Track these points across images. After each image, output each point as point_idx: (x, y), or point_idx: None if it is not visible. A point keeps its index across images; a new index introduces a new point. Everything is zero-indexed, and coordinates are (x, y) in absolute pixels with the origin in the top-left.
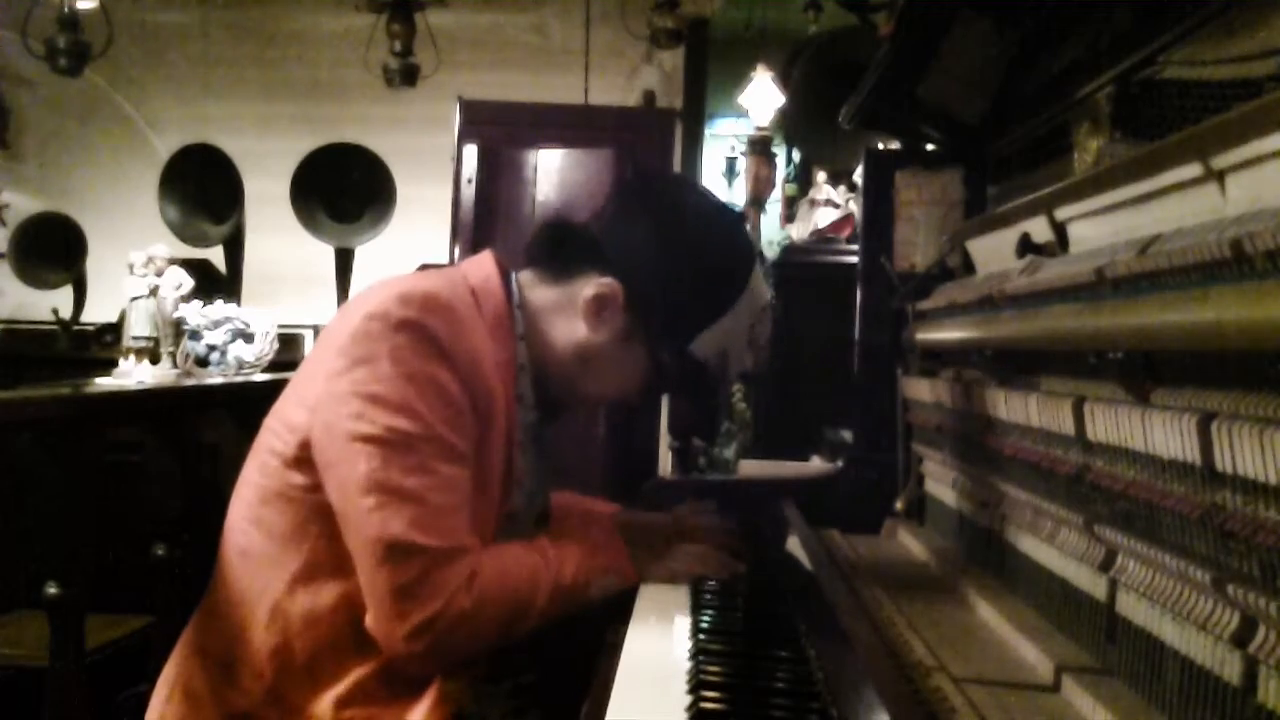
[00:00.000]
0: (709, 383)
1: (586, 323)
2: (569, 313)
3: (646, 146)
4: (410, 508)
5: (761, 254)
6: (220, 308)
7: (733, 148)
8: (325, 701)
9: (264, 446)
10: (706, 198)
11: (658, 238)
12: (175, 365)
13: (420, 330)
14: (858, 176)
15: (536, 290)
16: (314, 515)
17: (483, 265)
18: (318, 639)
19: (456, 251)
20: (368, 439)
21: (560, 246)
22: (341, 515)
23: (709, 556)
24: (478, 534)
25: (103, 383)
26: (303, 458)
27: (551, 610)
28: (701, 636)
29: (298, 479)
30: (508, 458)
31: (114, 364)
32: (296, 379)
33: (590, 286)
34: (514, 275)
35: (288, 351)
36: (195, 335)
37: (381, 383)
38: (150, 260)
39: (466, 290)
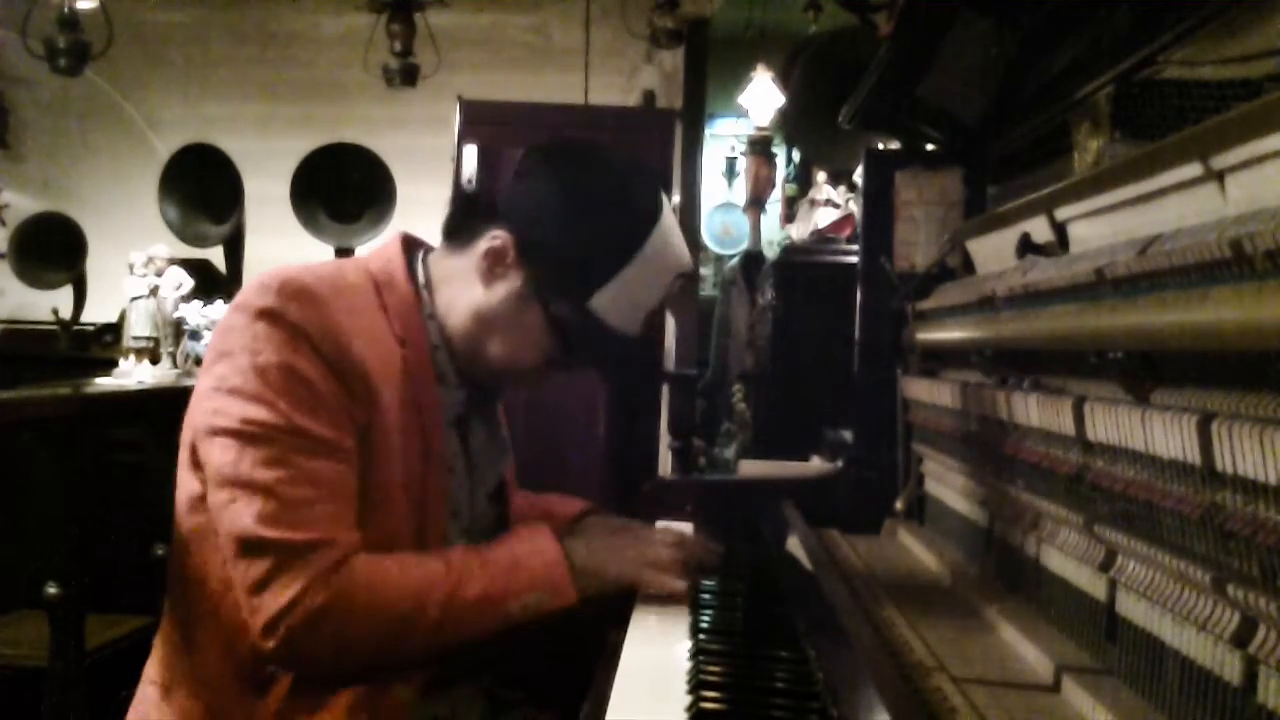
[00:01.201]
0: (621, 351)
1: (482, 281)
2: (469, 277)
3: (646, 146)
4: (260, 501)
5: (761, 254)
6: (220, 308)
7: (733, 148)
8: (264, 713)
9: (179, 459)
10: (610, 157)
11: (550, 190)
12: (175, 365)
13: (278, 318)
14: (858, 176)
15: (443, 263)
16: (214, 529)
17: (385, 250)
18: (244, 663)
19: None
20: (223, 432)
21: (464, 215)
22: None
23: (666, 559)
24: (369, 533)
25: (103, 383)
26: (196, 462)
27: (450, 625)
28: (701, 636)
29: (196, 486)
30: (425, 442)
31: (114, 364)
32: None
33: (484, 242)
34: (422, 255)
35: None
36: (195, 335)
37: (237, 375)
38: (150, 260)
39: (363, 276)
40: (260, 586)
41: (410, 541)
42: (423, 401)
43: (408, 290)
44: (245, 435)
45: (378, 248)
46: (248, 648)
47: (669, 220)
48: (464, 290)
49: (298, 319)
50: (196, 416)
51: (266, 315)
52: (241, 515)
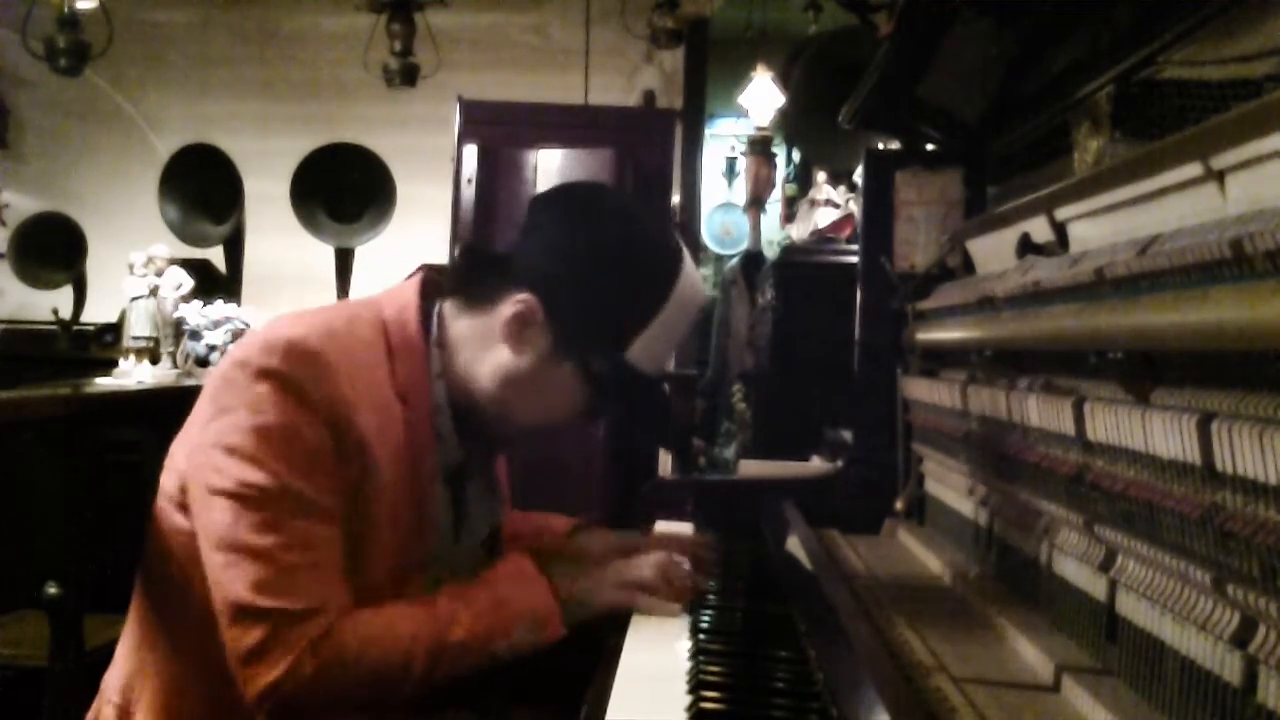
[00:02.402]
0: (650, 392)
1: (509, 346)
2: (491, 340)
3: (646, 146)
4: (256, 568)
5: (761, 254)
6: (220, 308)
7: (733, 148)
8: None
9: (162, 485)
10: (621, 201)
11: (570, 247)
12: (175, 365)
13: (280, 379)
14: (858, 176)
15: (459, 322)
16: (198, 561)
17: (402, 297)
18: (211, 686)
19: (456, 252)
20: (221, 493)
21: (476, 272)
22: (205, 569)
23: (656, 581)
24: (351, 589)
25: (103, 383)
26: (185, 502)
27: (438, 671)
28: (701, 636)
29: (183, 523)
30: (417, 505)
31: (114, 364)
32: (188, 420)
33: (508, 307)
34: (438, 307)
35: None
36: (195, 335)
37: (236, 434)
38: (150, 260)
39: (375, 328)
40: (252, 657)
41: (386, 596)
42: (419, 463)
43: (419, 347)
44: (242, 498)
45: (396, 290)
46: (225, 681)
47: (689, 261)
48: (487, 354)
49: (302, 383)
50: (194, 469)
51: (271, 376)
52: (236, 582)
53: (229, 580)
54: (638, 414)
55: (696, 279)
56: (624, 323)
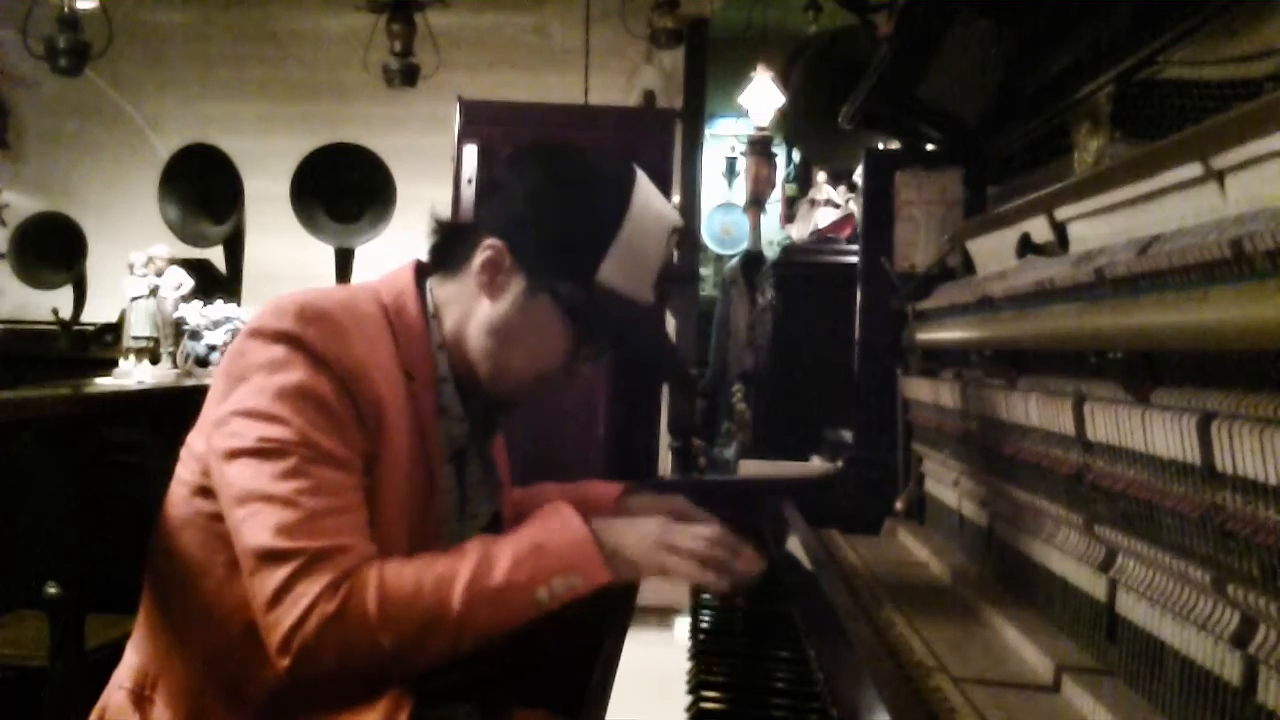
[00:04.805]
0: (637, 320)
1: (486, 296)
2: (472, 297)
3: (646, 146)
4: (278, 513)
5: (761, 254)
6: (220, 308)
7: (733, 148)
8: None
9: (177, 474)
10: (572, 146)
11: (525, 187)
12: (175, 365)
13: (293, 340)
14: (858, 176)
15: (443, 290)
16: (220, 544)
17: (398, 279)
18: (227, 671)
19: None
20: (241, 452)
21: (449, 241)
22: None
23: (715, 553)
24: (375, 540)
25: (103, 383)
26: (206, 485)
27: (476, 620)
28: (701, 636)
29: (205, 506)
30: (429, 477)
31: (114, 364)
32: (204, 407)
33: (476, 257)
34: (429, 284)
35: None
36: (195, 335)
37: (254, 396)
38: (150, 260)
39: (375, 305)
40: (275, 599)
41: None
42: (427, 436)
43: (418, 321)
44: (262, 452)
45: (390, 274)
46: (239, 672)
47: (646, 182)
48: (470, 311)
49: (316, 343)
50: (216, 441)
51: (285, 338)
52: (261, 529)
53: (251, 530)
54: (628, 346)
55: (658, 200)
56: (585, 243)
